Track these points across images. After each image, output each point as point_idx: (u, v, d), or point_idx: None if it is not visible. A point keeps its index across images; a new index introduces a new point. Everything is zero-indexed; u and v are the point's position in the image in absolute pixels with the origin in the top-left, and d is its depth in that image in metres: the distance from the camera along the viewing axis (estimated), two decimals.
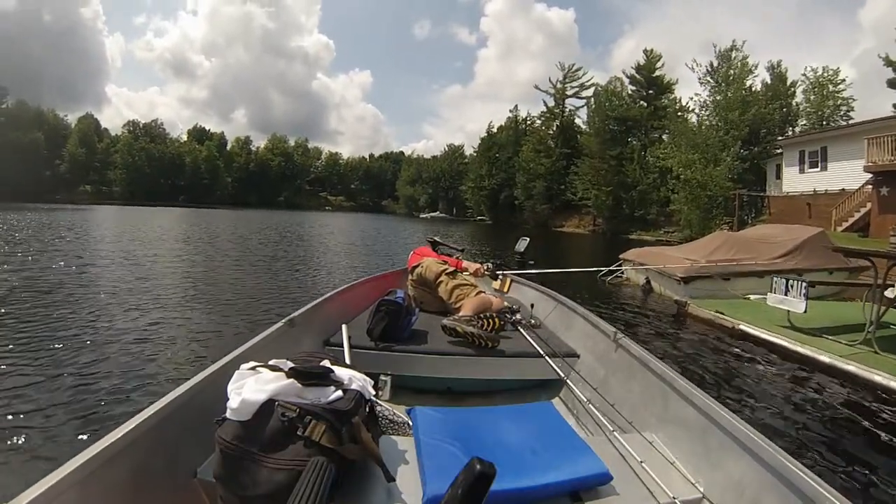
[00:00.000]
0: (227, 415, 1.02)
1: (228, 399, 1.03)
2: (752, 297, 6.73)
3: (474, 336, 2.08)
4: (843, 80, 26.38)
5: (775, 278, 5.00)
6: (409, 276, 2.86)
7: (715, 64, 28.25)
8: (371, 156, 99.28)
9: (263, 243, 14.17)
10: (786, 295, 4.79)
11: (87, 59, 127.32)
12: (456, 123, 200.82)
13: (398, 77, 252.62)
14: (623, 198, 33.81)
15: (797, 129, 26.87)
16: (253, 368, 1.11)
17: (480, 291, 2.62)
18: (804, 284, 4.61)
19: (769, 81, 28.58)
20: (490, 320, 2.23)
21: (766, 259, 7.76)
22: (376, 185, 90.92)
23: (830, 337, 4.48)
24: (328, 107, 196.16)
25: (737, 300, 6.66)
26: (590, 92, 41.95)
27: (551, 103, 45.85)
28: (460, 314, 2.27)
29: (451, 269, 2.74)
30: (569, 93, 45.38)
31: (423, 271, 2.73)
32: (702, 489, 1.22)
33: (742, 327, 5.07)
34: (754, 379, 3.83)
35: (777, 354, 4.41)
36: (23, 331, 4.12)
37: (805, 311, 4.55)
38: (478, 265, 3.05)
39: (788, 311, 4.78)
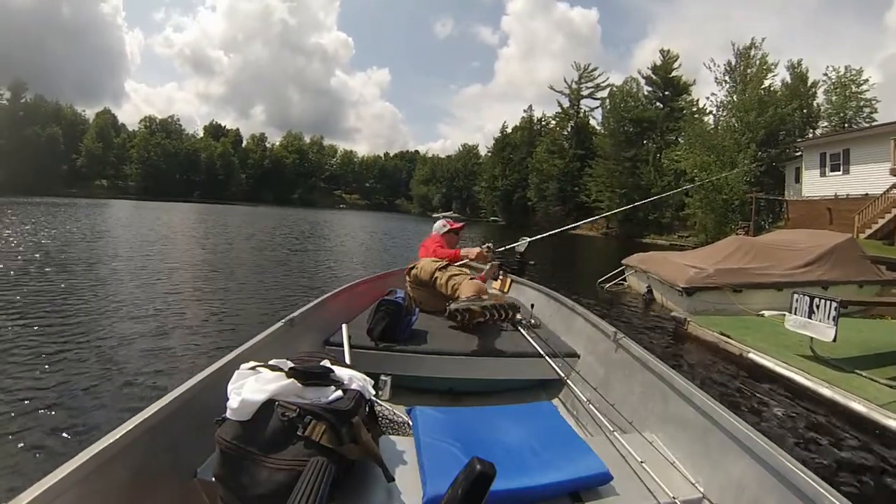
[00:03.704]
0: (228, 415, 1.02)
1: (228, 399, 1.04)
2: (766, 313, 5.94)
3: (491, 308, 2.13)
4: (867, 81, 25.74)
5: (797, 295, 4.11)
6: (407, 278, 2.91)
7: (733, 63, 27.91)
8: (386, 154, 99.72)
9: (265, 247, 14.03)
10: (809, 317, 3.91)
11: (106, 54, 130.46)
12: (474, 123, 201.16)
13: (417, 76, 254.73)
14: (637, 201, 33.47)
15: (818, 132, 26.25)
16: (253, 368, 1.12)
17: (472, 277, 2.68)
18: (834, 305, 3.73)
19: (789, 81, 27.97)
20: (500, 311, 2.25)
21: (786, 268, 6.90)
22: (391, 183, 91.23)
23: (864, 373, 3.63)
24: (346, 104, 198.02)
25: (748, 318, 5.80)
26: (605, 93, 41.61)
27: (566, 104, 45.63)
28: (465, 295, 2.32)
29: (443, 263, 2.79)
30: (584, 93, 45.08)
31: (419, 272, 2.79)
32: (702, 489, 1.22)
33: (752, 356, 4.24)
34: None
35: (794, 396, 3.55)
36: (35, 322, 4.22)
37: (834, 340, 3.73)
38: (478, 249, 3.03)
39: (812, 337, 3.97)
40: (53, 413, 2.61)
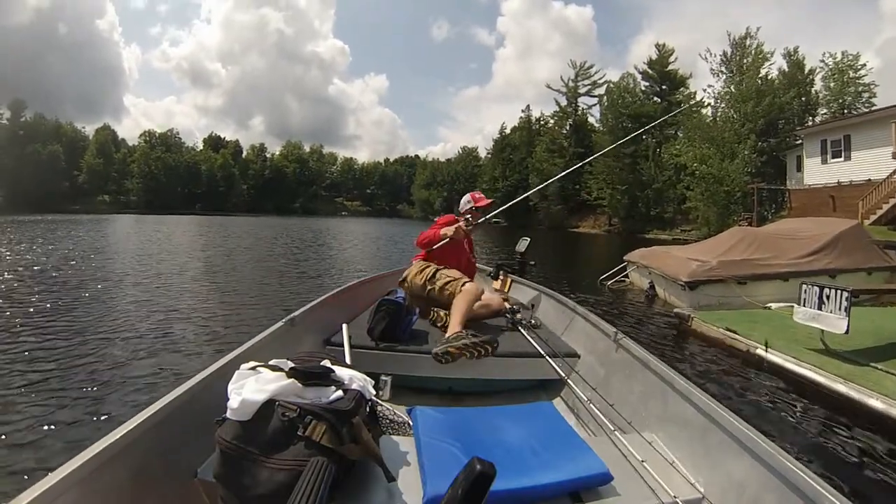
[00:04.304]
0: (228, 415, 1.03)
1: (229, 399, 1.04)
2: (773, 305, 5.70)
3: (470, 347, 2.03)
4: (864, 66, 25.58)
5: (805, 286, 3.91)
6: (404, 284, 2.81)
7: (729, 53, 27.87)
8: (386, 160, 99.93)
9: (266, 256, 14.01)
10: (819, 308, 3.72)
11: (104, 70, 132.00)
12: (474, 126, 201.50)
13: (415, 80, 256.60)
14: (638, 196, 33.47)
15: (817, 119, 26.08)
16: (253, 368, 1.13)
17: (465, 282, 2.56)
18: (846, 295, 3.54)
19: (786, 69, 27.86)
20: (479, 349, 2.09)
21: (791, 258, 6.70)
22: (392, 189, 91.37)
23: (880, 366, 3.42)
24: (345, 112, 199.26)
25: (754, 311, 5.55)
26: (602, 90, 41.64)
27: (564, 102, 45.66)
28: (448, 334, 2.17)
29: (431, 270, 2.69)
30: (581, 91, 45.13)
31: (410, 285, 2.72)
32: (702, 489, 1.22)
33: (760, 352, 4.02)
34: (772, 437, 2.79)
35: (807, 393, 3.34)
36: (45, 328, 4.24)
37: (847, 332, 3.53)
38: (455, 226, 2.80)
39: (823, 330, 3.76)
40: (47, 424, 2.59)
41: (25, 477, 2.05)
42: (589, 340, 2.23)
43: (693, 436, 1.35)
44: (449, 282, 2.59)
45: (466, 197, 3.17)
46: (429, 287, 2.64)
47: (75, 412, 2.75)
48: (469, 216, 2.95)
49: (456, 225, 2.79)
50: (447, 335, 2.21)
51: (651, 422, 1.54)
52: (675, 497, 1.14)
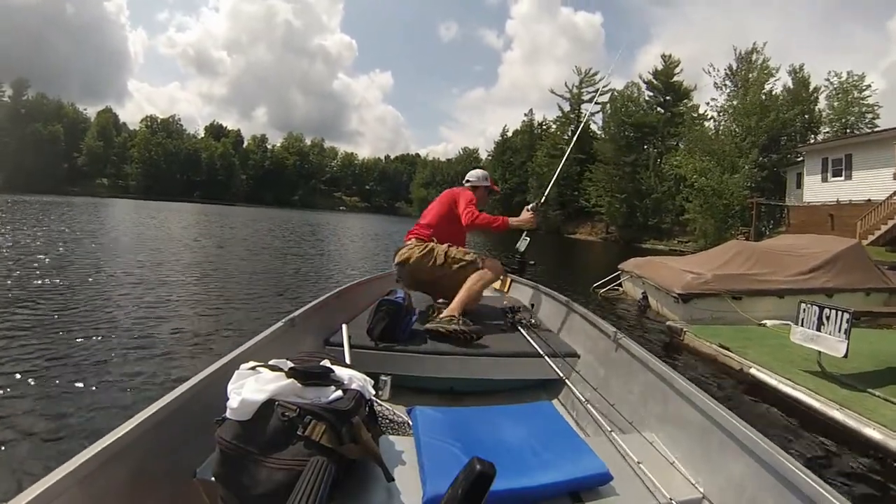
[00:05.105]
0: (227, 415, 1.02)
1: (228, 399, 1.04)
2: (769, 322, 5.59)
3: (458, 333, 2.11)
4: (869, 86, 25.76)
5: (804, 305, 3.78)
6: (405, 267, 2.67)
7: (734, 67, 27.97)
8: (387, 157, 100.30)
9: (266, 249, 13.93)
10: (818, 330, 3.59)
11: (109, 53, 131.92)
12: (477, 127, 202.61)
13: (420, 79, 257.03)
14: (637, 206, 33.51)
15: (819, 137, 26.20)
16: (253, 368, 1.12)
17: (486, 260, 2.56)
18: (847, 317, 3.40)
19: (791, 86, 28.00)
20: (462, 335, 2.17)
21: (788, 275, 6.58)
22: (391, 186, 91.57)
23: (877, 392, 3.32)
24: (349, 107, 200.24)
25: (749, 327, 5.41)
26: (606, 97, 41.73)
27: (567, 108, 45.76)
28: (442, 314, 2.30)
29: (441, 252, 2.59)
30: (585, 98, 45.17)
31: (413, 266, 2.62)
32: (702, 489, 1.22)
33: (753, 372, 3.91)
34: None
35: (800, 418, 3.22)
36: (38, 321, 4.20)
37: (846, 356, 3.40)
38: (531, 215, 2.74)
39: (820, 352, 3.63)
40: (37, 426, 2.48)
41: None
42: (589, 340, 2.23)
43: (693, 436, 1.35)
44: (468, 262, 2.57)
45: (483, 171, 2.99)
46: (439, 273, 2.59)
47: (56, 414, 2.63)
48: (536, 202, 2.86)
49: (532, 213, 2.74)
50: (441, 315, 2.28)
51: (651, 422, 1.54)
52: (674, 497, 1.14)
